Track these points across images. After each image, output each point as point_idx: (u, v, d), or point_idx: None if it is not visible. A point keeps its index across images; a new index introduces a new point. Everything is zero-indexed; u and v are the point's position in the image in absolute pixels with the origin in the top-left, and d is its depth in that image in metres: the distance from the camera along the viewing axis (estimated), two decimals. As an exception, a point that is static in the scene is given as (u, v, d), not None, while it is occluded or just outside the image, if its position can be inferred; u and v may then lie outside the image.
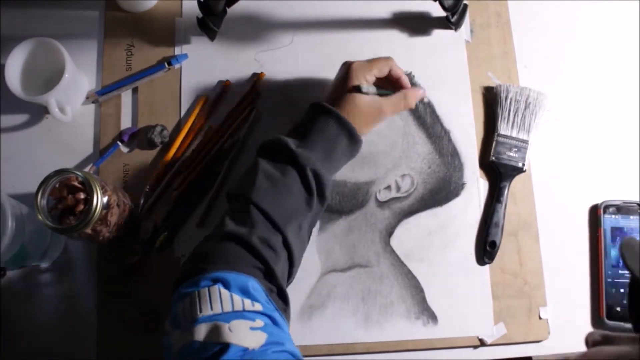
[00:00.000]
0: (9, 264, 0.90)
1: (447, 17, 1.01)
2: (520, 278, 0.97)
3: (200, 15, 0.98)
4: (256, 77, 1.03)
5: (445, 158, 1.00)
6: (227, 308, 0.68)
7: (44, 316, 0.96)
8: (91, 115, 1.02)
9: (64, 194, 0.83)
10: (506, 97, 1.00)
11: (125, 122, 1.02)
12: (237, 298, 0.69)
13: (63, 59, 0.95)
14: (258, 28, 1.05)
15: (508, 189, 0.98)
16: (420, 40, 1.05)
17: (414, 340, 0.94)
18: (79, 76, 1.01)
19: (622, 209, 0.98)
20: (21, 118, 1.02)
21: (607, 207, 0.98)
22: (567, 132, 1.02)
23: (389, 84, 0.94)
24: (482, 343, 0.94)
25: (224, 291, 0.69)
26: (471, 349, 0.95)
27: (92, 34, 1.05)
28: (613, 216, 0.97)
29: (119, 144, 1.00)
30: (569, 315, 0.95)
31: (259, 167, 0.83)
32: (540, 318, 0.95)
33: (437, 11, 1.02)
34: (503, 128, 0.99)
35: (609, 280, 0.95)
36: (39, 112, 1.02)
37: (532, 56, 1.05)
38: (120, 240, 0.93)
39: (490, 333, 0.94)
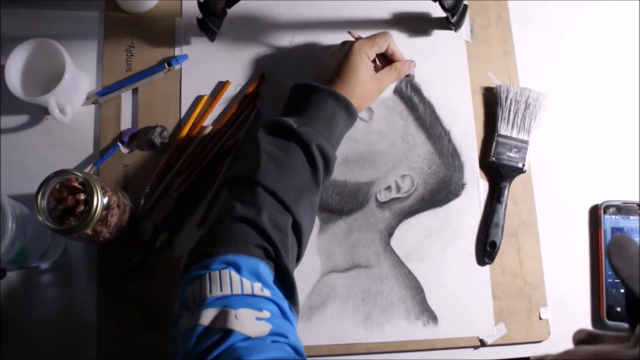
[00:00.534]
0: (9, 265, 0.90)
1: (447, 17, 1.01)
2: (520, 278, 0.96)
3: (200, 15, 0.98)
4: (256, 78, 1.02)
5: (446, 158, 1.00)
6: (237, 291, 0.69)
7: (44, 316, 0.96)
8: (91, 116, 1.02)
9: (64, 195, 0.83)
10: (506, 98, 1.00)
11: (126, 123, 1.02)
12: (246, 282, 0.70)
13: (63, 59, 0.95)
14: (258, 28, 1.05)
15: (508, 189, 0.98)
16: (420, 41, 1.05)
17: (415, 341, 0.94)
18: (79, 77, 1.01)
19: (623, 209, 0.98)
20: (21, 119, 1.02)
21: (607, 207, 0.98)
22: (567, 132, 1.02)
23: (384, 58, 0.98)
24: (483, 343, 0.94)
25: (234, 275, 0.70)
26: (471, 349, 0.95)
27: (92, 35, 1.05)
28: (613, 216, 0.97)
29: (119, 144, 1.00)
30: (570, 315, 0.95)
31: (262, 148, 0.83)
32: (540, 318, 0.95)
33: (437, 12, 1.02)
34: (503, 128, 0.99)
35: (610, 280, 0.95)
36: (39, 113, 1.02)
37: (532, 56, 1.05)
38: (120, 240, 0.93)
39: (490, 333, 0.94)
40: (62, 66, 0.94)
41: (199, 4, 0.96)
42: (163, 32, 1.05)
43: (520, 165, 0.98)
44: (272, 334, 0.67)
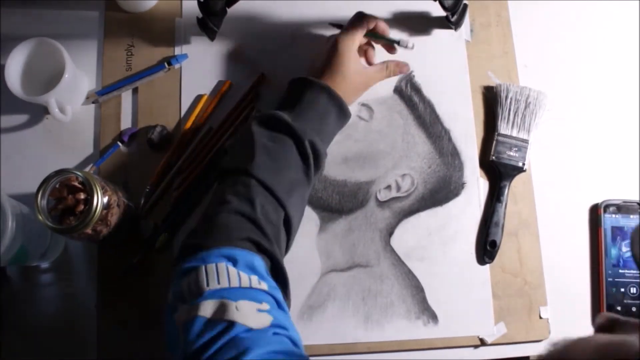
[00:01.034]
0: (9, 264, 0.90)
1: (447, 16, 1.01)
2: (520, 277, 0.96)
3: (200, 15, 0.98)
4: (256, 77, 1.02)
5: (446, 158, 1.00)
6: (235, 283, 0.69)
7: (44, 316, 0.96)
8: (91, 115, 1.02)
9: (64, 194, 0.83)
10: (506, 97, 1.00)
11: (126, 123, 1.02)
12: (244, 275, 0.70)
13: (63, 59, 0.95)
14: (258, 28, 1.05)
15: (508, 188, 0.98)
16: (420, 40, 1.04)
17: (415, 340, 0.94)
18: (79, 76, 1.01)
19: (623, 208, 0.98)
20: (21, 118, 1.02)
21: (607, 206, 0.98)
22: (567, 132, 1.02)
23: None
24: (483, 342, 0.94)
25: (231, 268, 0.70)
26: (472, 348, 0.95)
27: (92, 34, 1.05)
28: (613, 215, 0.97)
29: (119, 144, 1.00)
30: (570, 314, 0.95)
31: (256, 140, 0.83)
32: (540, 317, 0.95)
33: (437, 11, 1.02)
34: (503, 127, 0.99)
35: (610, 279, 0.95)
36: (39, 113, 1.02)
37: (532, 56, 1.05)
38: (120, 239, 0.93)
39: (490, 332, 0.94)
40: (62, 65, 0.94)
41: (199, 3, 0.96)
42: (163, 31, 1.05)
43: (520, 164, 0.98)
44: (273, 325, 0.67)
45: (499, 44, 1.05)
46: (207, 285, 0.68)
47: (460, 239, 0.98)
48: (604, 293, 0.95)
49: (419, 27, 1.05)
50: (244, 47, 1.05)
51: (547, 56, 1.05)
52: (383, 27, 0.97)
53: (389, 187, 0.99)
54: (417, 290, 0.95)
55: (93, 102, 1.02)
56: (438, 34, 1.05)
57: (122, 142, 1.00)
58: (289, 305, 0.76)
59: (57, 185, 0.83)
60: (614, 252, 0.96)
